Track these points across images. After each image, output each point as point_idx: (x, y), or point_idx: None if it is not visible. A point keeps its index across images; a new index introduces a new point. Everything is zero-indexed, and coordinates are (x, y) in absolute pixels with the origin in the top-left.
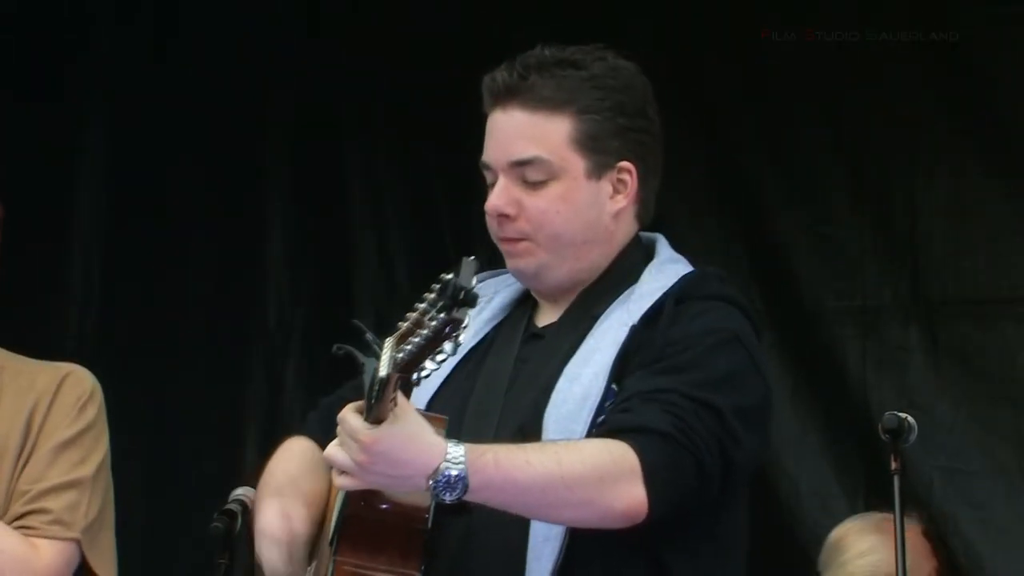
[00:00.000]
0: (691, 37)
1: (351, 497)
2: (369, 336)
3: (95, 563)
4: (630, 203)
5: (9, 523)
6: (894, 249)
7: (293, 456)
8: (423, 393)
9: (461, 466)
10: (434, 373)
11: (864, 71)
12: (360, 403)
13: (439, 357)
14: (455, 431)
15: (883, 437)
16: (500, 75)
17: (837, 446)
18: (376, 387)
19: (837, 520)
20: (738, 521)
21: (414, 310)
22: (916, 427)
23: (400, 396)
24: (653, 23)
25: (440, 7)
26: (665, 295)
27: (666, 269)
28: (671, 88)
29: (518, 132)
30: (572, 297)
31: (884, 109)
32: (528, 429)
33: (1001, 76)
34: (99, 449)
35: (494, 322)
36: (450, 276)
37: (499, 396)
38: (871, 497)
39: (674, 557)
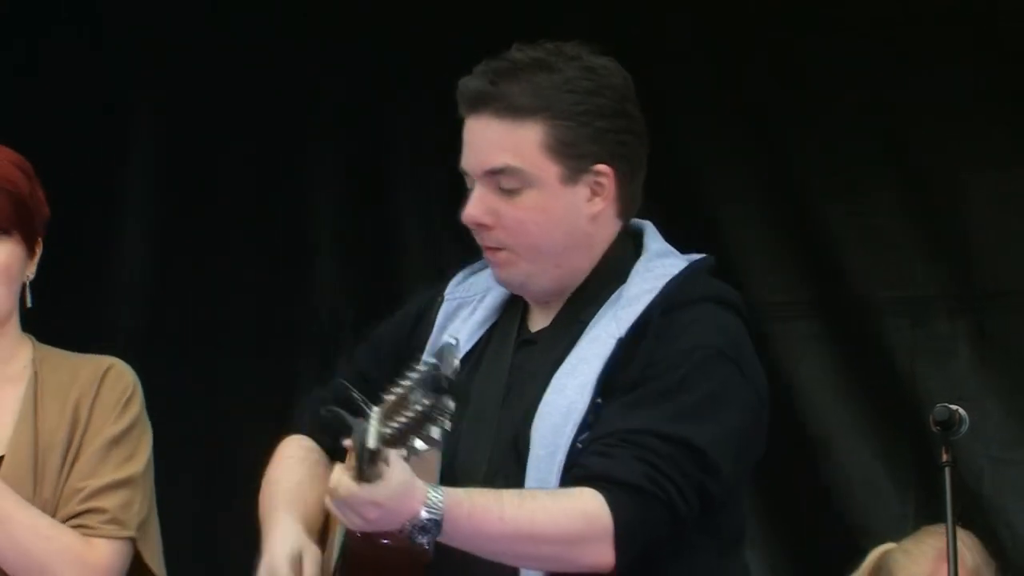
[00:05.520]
0: (733, 31)
1: (350, 533)
2: (356, 395)
3: (149, 559)
4: (608, 204)
5: (65, 521)
6: (942, 240)
7: (293, 465)
8: None
9: (437, 514)
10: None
11: (911, 62)
12: (349, 464)
13: (431, 434)
14: (452, 442)
15: (934, 429)
16: (472, 82)
17: (886, 438)
18: (366, 455)
19: (887, 512)
20: (737, 516)
21: (399, 385)
22: (967, 419)
23: (392, 454)
24: (692, 17)
25: None
26: (652, 304)
27: (654, 267)
28: (715, 82)
29: (491, 141)
30: (562, 300)
31: (932, 100)
32: (520, 442)
33: None
34: (145, 445)
35: (487, 325)
36: (433, 362)
37: (495, 407)
38: (920, 489)
39: (668, 555)
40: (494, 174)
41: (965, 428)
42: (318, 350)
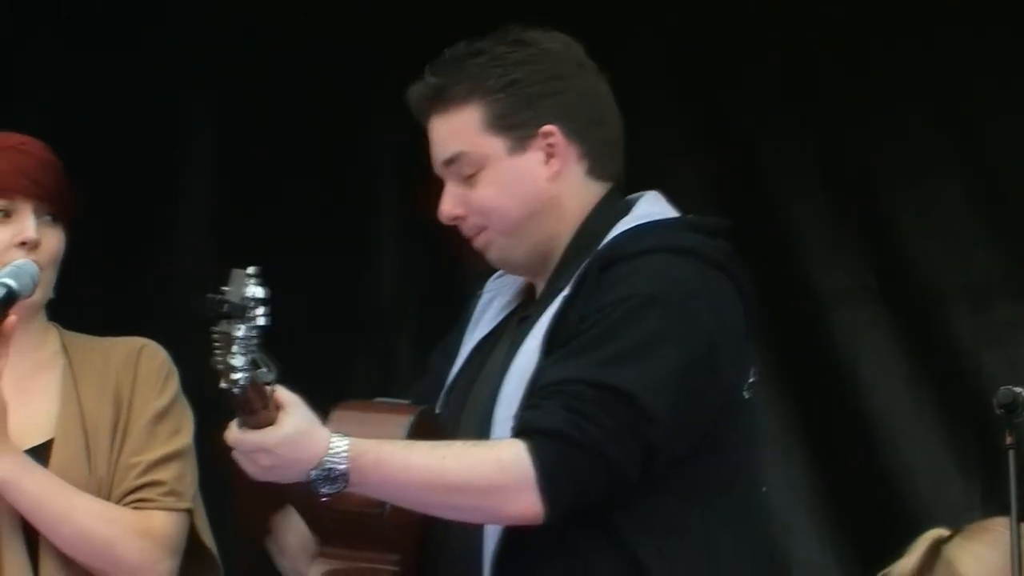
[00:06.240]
0: (794, 19)
1: (296, 502)
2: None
3: (202, 532)
4: (568, 162)
5: (123, 496)
6: (1005, 226)
7: None
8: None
9: (343, 463)
10: (456, 359)
11: (974, 50)
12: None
13: (234, 363)
14: (456, 417)
15: (997, 412)
16: (415, 90)
17: (951, 424)
18: (233, 399)
19: (952, 497)
20: (708, 471)
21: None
22: None
23: (280, 394)
24: (750, 5)
25: None
26: (593, 259)
27: (625, 226)
28: (778, 71)
29: (439, 135)
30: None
31: (996, 86)
32: (490, 408)
33: None
34: (188, 419)
35: (507, 309)
36: (225, 289)
37: (494, 381)
38: (985, 475)
39: (619, 511)
40: (450, 164)
41: None
42: (380, 338)
